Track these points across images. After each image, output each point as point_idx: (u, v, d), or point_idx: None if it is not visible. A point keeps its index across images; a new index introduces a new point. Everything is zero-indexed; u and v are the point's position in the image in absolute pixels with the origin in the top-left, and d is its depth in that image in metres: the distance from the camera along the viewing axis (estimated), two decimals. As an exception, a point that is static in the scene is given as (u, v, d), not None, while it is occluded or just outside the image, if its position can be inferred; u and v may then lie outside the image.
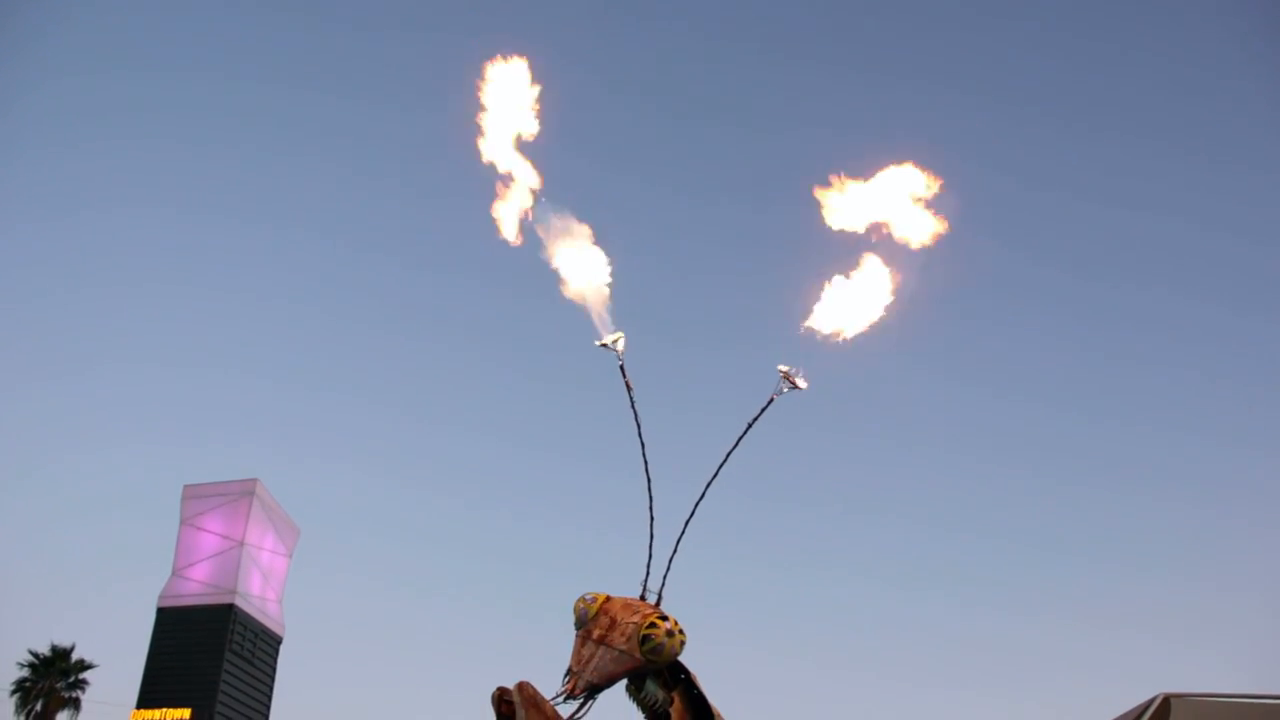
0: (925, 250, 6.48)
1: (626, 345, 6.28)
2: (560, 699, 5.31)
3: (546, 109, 6.77)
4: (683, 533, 5.83)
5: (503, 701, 5.07)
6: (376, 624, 69.89)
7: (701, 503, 5.95)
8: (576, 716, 5.30)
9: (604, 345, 6.32)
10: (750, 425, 6.06)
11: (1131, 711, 6.27)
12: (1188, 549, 64.65)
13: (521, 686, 5.10)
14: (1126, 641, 60.51)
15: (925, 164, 6.50)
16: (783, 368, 6.16)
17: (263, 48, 74.03)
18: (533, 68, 6.77)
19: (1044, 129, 72.01)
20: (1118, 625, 62.60)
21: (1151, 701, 6.09)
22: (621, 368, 6.27)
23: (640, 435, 6.17)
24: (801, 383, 6.15)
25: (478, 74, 6.80)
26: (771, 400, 6.10)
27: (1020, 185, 67.92)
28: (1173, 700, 6.03)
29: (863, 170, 6.61)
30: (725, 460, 5.99)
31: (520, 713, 4.97)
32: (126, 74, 72.37)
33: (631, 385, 6.26)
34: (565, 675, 5.45)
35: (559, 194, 6.68)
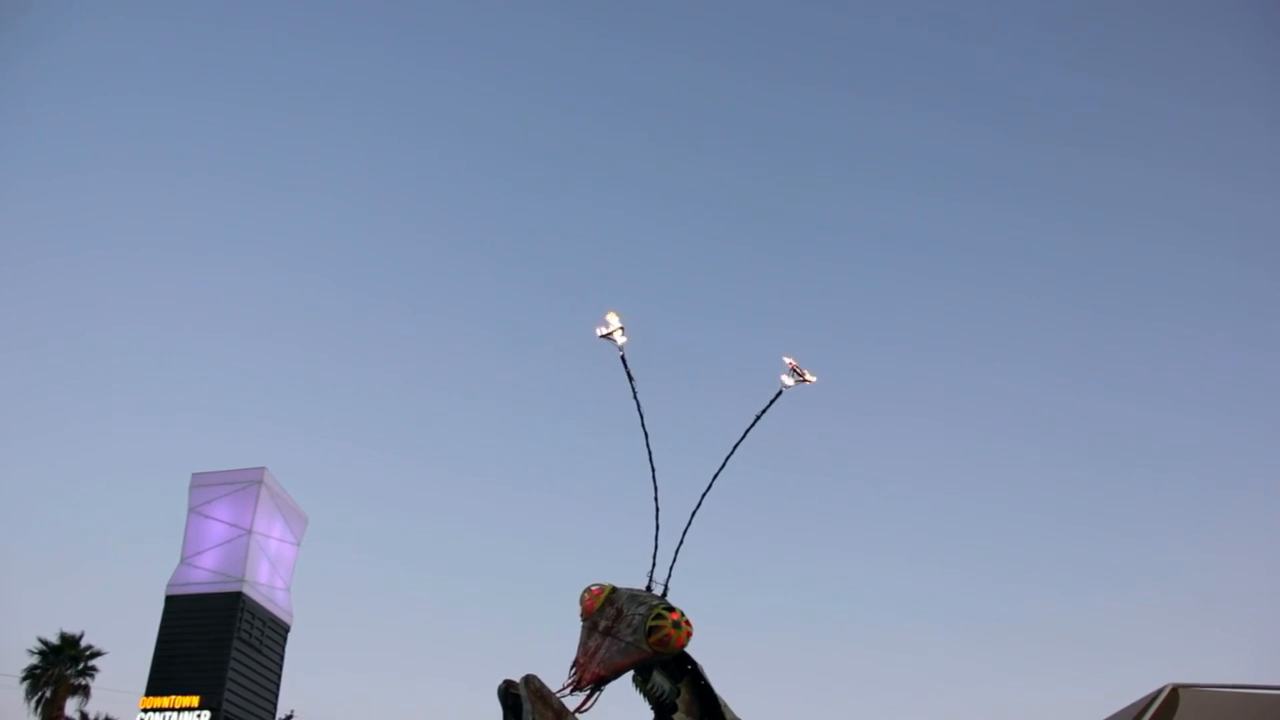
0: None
1: (627, 334, 6.19)
2: (567, 691, 5.30)
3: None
4: (689, 524, 5.79)
5: (509, 694, 5.05)
6: (384, 612, 70.28)
7: (709, 494, 5.91)
8: (584, 708, 5.29)
9: (605, 336, 6.24)
10: (757, 419, 6.02)
11: (1139, 703, 6.22)
12: (1196, 542, 64.62)
13: (528, 680, 5.08)
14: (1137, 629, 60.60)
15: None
16: (790, 359, 6.11)
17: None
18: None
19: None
20: (1129, 613, 62.72)
21: (1159, 692, 6.03)
22: (623, 358, 6.19)
23: (644, 425, 6.08)
24: (810, 376, 6.10)
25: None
26: (780, 393, 6.06)
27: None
28: (1181, 691, 5.97)
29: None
30: (731, 453, 5.95)
31: (527, 706, 4.95)
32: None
33: (633, 375, 6.17)
34: (572, 667, 5.45)
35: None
